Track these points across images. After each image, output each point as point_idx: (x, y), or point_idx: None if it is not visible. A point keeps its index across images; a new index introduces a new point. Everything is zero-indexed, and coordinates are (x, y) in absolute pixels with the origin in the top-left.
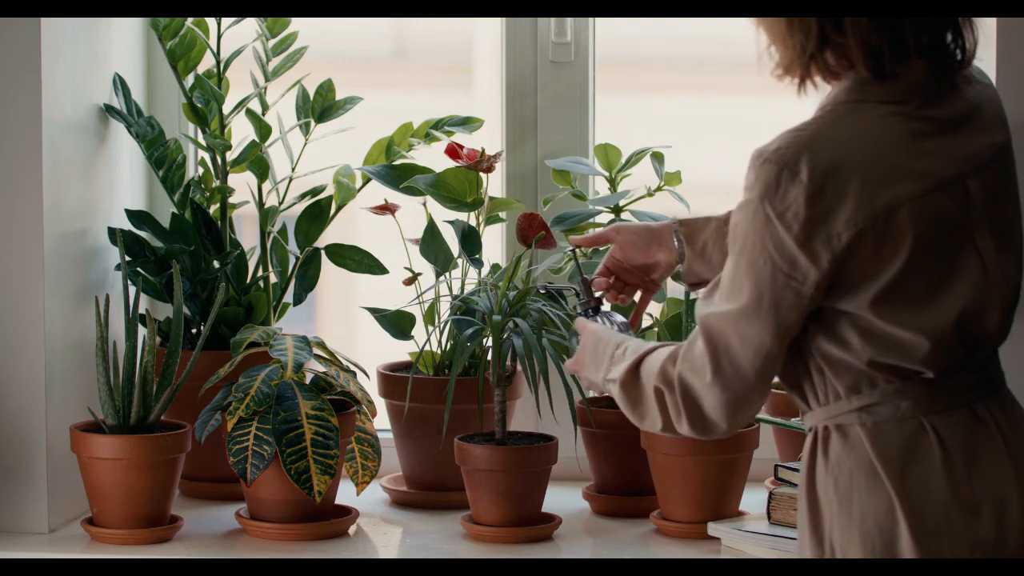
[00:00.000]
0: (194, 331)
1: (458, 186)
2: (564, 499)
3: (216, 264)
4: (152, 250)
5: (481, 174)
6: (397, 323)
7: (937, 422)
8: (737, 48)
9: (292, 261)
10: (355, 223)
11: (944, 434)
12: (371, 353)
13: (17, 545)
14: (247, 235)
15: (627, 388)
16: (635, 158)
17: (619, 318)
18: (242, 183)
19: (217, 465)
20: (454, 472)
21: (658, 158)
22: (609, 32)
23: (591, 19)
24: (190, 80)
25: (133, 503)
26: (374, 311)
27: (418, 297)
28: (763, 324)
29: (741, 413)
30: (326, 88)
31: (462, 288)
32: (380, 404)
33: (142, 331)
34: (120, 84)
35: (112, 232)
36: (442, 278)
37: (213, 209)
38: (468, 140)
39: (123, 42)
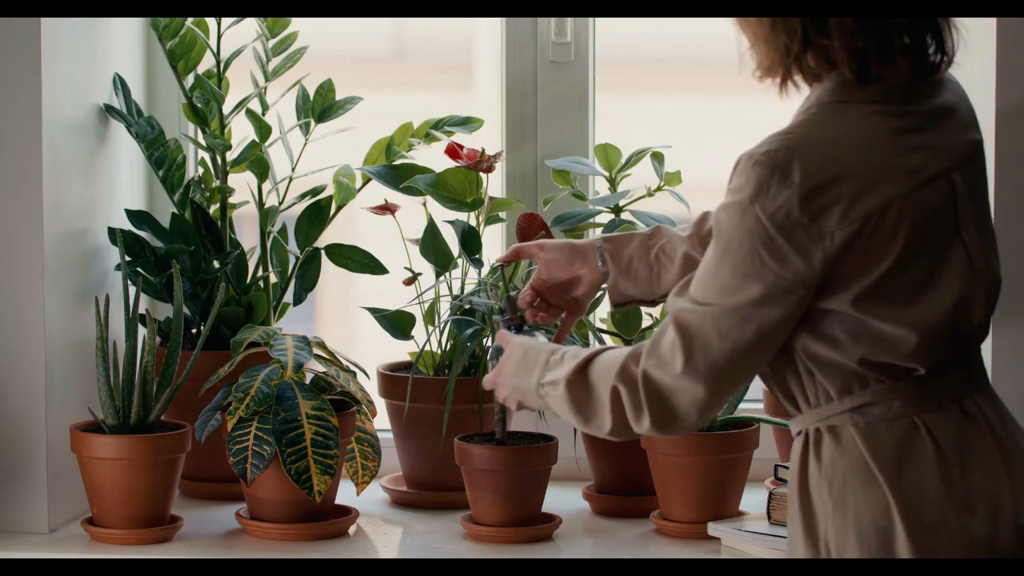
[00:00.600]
0: (194, 331)
1: (458, 186)
2: (564, 499)
3: (216, 264)
4: (152, 250)
5: (481, 174)
6: (397, 323)
7: (929, 420)
8: (737, 48)
9: (292, 261)
10: (355, 223)
11: (937, 432)
12: (371, 353)
13: (17, 545)
14: (247, 235)
15: (573, 388)
16: (635, 158)
17: (542, 337)
18: (242, 183)
19: (217, 465)
20: (454, 472)
21: (658, 158)
22: (609, 32)
23: (591, 19)
24: (190, 80)
25: (133, 503)
26: (374, 311)
27: (418, 297)
28: (746, 321)
29: (711, 409)
30: (326, 88)
31: (462, 288)
32: (380, 404)
33: (142, 331)
34: (120, 84)
35: (112, 232)
36: (442, 278)
37: (213, 209)
38: (468, 140)
39: (123, 42)
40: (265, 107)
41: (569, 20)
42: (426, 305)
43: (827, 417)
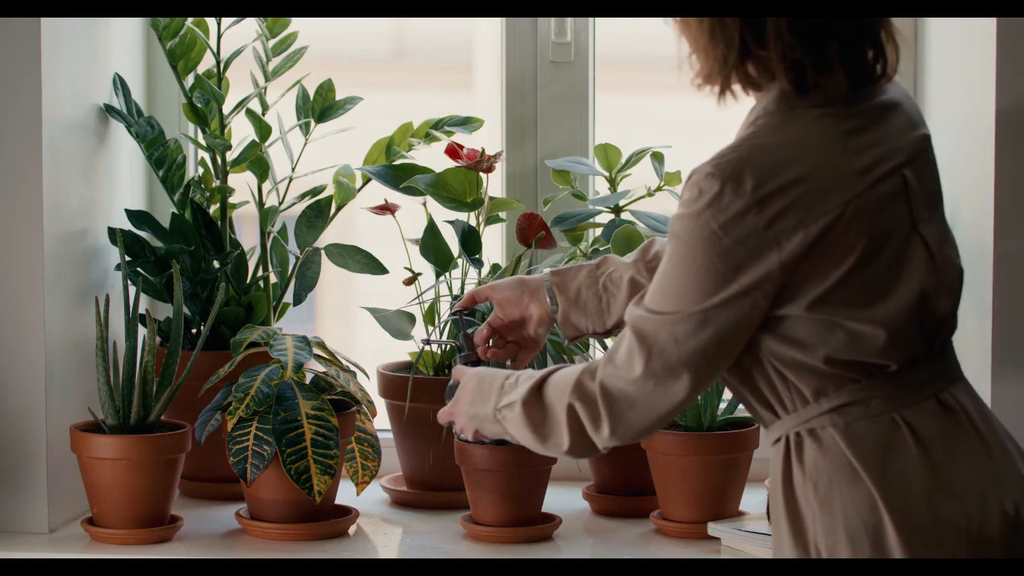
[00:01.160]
0: (194, 331)
1: (458, 186)
2: (564, 499)
3: (216, 264)
4: (152, 250)
5: (481, 174)
6: (397, 323)
7: (908, 415)
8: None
9: (292, 261)
10: (355, 223)
11: (917, 427)
12: (371, 353)
13: (17, 545)
14: (247, 235)
15: (528, 408)
16: (635, 158)
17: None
18: (242, 183)
19: (217, 465)
20: (454, 472)
21: (658, 158)
22: (609, 32)
23: (591, 19)
24: (190, 80)
25: (133, 503)
26: (374, 311)
27: (418, 297)
28: (702, 327)
29: (669, 415)
30: (326, 88)
31: (462, 288)
32: (380, 404)
33: (142, 331)
34: (120, 84)
35: (112, 232)
36: (442, 278)
37: (213, 209)
38: (468, 140)
39: (123, 42)
40: (265, 107)
41: (569, 20)
42: (426, 305)
43: (806, 421)
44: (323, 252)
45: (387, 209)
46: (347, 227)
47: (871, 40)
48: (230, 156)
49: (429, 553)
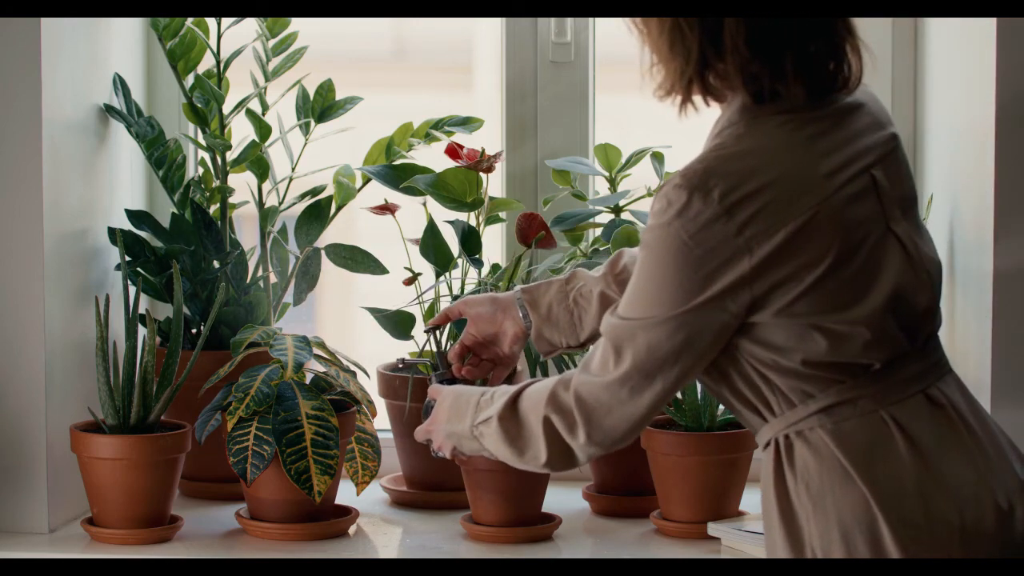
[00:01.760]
0: (194, 331)
1: (458, 186)
2: (564, 499)
3: (216, 264)
4: (152, 250)
5: (481, 174)
6: (397, 323)
7: (897, 413)
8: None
9: (292, 261)
10: (355, 223)
11: (905, 424)
12: (371, 353)
13: (17, 545)
14: (247, 235)
15: (505, 422)
16: (635, 158)
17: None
18: (242, 183)
19: (217, 465)
20: (454, 472)
21: (658, 158)
22: (609, 32)
23: (591, 19)
24: (190, 80)
25: (133, 503)
26: (374, 311)
27: (418, 297)
28: (675, 333)
29: (645, 419)
30: (326, 88)
31: (462, 288)
32: (380, 404)
33: (142, 331)
34: (120, 84)
35: (112, 232)
36: (442, 278)
37: (213, 209)
38: (468, 140)
39: (123, 42)
40: (265, 107)
41: (569, 20)
42: (426, 305)
43: (794, 423)
44: (323, 252)
45: (387, 209)
46: (347, 227)
47: (831, 51)
48: (230, 156)
49: (429, 553)
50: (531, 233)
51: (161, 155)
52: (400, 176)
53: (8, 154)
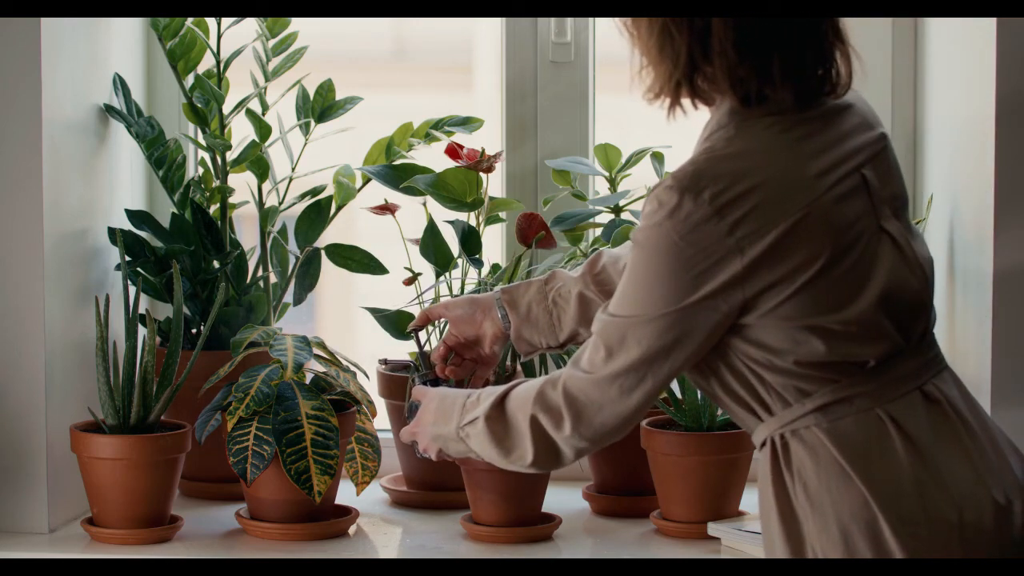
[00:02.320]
0: (194, 331)
1: (458, 186)
2: (564, 499)
3: (216, 264)
4: (152, 250)
5: (481, 174)
6: (397, 323)
7: (893, 410)
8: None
9: (292, 261)
10: (355, 223)
11: (902, 421)
12: (371, 353)
13: (17, 545)
14: (247, 235)
15: (492, 423)
16: (635, 158)
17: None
18: (242, 183)
19: (217, 465)
20: (454, 472)
21: (658, 158)
22: (609, 32)
23: (591, 19)
24: (190, 80)
25: (133, 503)
26: (374, 311)
27: (418, 297)
28: (666, 332)
29: (634, 417)
30: (326, 88)
31: (462, 288)
32: (380, 404)
33: (142, 331)
34: (120, 84)
35: (112, 232)
36: (442, 278)
37: (213, 209)
38: (468, 140)
39: (123, 42)
40: (265, 107)
41: (569, 20)
42: (426, 305)
43: (790, 422)
44: (323, 252)
45: (387, 209)
46: (347, 227)
47: (819, 56)
48: (230, 156)
49: (429, 553)
50: (531, 233)
51: (161, 155)
52: (400, 176)
53: (8, 154)
